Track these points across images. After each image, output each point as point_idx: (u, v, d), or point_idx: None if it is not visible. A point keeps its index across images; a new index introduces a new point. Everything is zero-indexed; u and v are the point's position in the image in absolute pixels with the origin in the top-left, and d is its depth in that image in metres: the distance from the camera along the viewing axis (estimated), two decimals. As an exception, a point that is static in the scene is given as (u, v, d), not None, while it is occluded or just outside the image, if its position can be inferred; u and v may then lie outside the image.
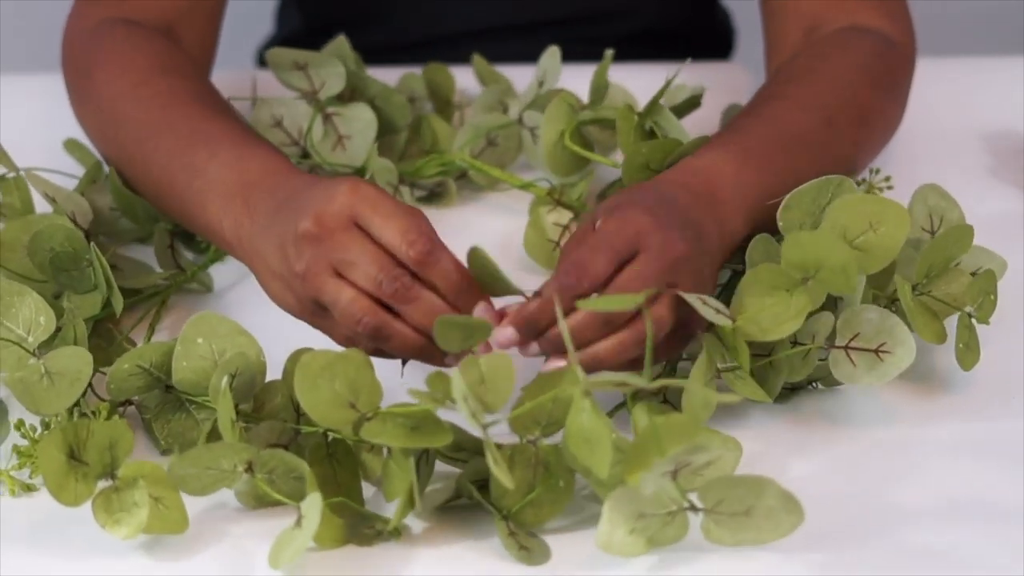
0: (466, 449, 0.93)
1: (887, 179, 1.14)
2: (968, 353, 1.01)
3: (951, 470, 0.96)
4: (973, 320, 1.02)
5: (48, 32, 1.24)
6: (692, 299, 0.93)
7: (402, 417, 0.89)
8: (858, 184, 1.13)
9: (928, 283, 1.02)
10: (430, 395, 0.89)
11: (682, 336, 0.96)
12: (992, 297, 1.02)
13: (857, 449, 0.98)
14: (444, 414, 0.89)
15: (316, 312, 0.94)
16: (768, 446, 0.98)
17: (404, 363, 0.96)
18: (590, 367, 0.91)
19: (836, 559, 0.90)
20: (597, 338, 0.92)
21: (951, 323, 1.02)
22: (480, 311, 0.92)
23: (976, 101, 1.36)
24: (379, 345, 0.93)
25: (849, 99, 1.14)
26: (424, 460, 0.92)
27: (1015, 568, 0.89)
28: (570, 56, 1.24)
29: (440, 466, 0.93)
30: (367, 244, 0.91)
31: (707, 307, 0.93)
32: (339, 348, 0.91)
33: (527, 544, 0.90)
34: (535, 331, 0.92)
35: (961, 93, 1.37)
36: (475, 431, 0.88)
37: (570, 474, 0.91)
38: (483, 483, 0.92)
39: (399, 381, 0.93)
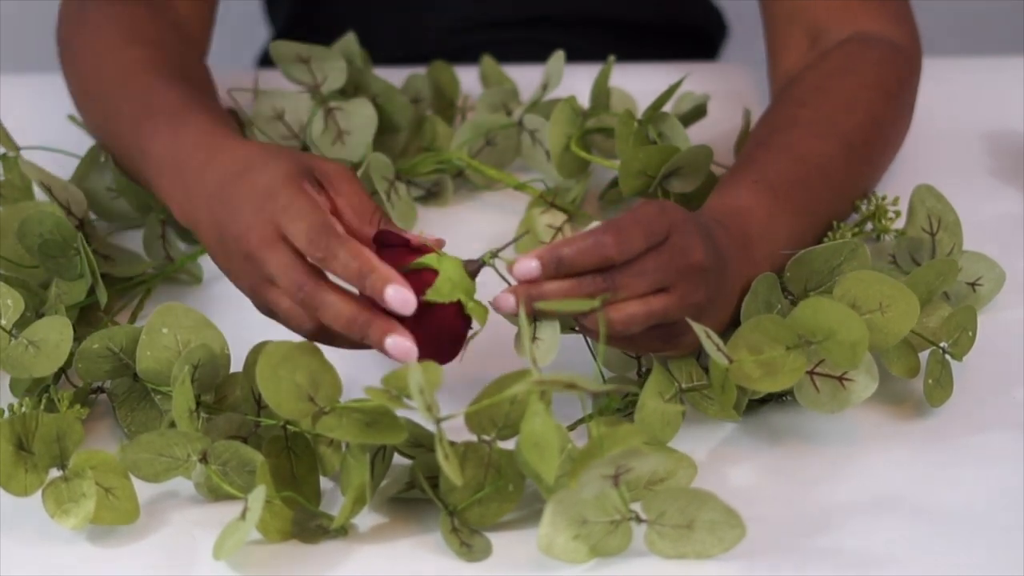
0: (423, 445, 0.94)
1: (895, 202, 1.12)
2: (937, 389, 0.99)
3: (909, 486, 0.96)
4: (947, 356, 1.00)
5: (48, 32, 1.26)
6: (697, 328, 0.93)
7: (358, 412, 0.90)
8: (866, 203, 1.13)
9: None
10: (385, 392, 0.89)
11: (662, 335, 0.95)
12: (970, 333, 1.01)
13: (819, 463, 0.97)
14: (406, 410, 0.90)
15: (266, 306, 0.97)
16: (730, 458, 0.97)
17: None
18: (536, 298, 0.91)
19: (781, 569, 0.90)
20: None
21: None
22: (392, 294, 0.91)
23: (976, 101, 1.34)
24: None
25: (864, 119, 1.13)
26: (381, 456, 0.93)
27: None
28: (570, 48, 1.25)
29: (399, 459, 0.94)
30: (283, 257, 0.94)
31: (709, 340, 0.93)
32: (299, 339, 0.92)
33: (468, 540, 0.91)
34: (556, 271, 0.91)
35: (961, 93, 1.35)
36: (429, 425, 0.88)
37: (520, 479, 0.92)
38: (436, 477, 0.92)
39: (360, 375, 0.94)
